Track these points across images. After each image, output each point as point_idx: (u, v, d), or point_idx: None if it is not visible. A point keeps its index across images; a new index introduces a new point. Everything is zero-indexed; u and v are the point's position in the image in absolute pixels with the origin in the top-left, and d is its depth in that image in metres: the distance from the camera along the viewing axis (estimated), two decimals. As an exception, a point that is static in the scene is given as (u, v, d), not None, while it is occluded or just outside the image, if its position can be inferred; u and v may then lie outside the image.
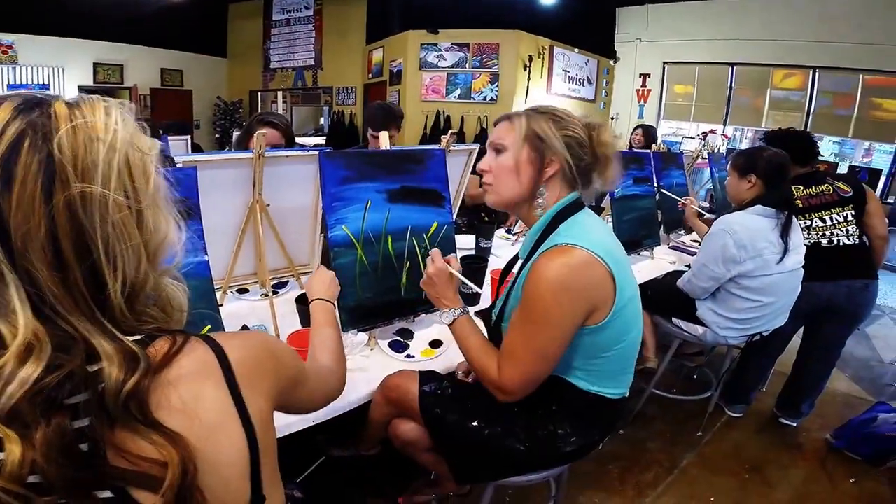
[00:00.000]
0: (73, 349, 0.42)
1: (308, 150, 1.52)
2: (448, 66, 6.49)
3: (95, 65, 7.06)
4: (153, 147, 0.49)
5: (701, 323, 1.99)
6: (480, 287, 1.69)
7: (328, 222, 1.31)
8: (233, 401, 0.48)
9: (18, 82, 6.10)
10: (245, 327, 1.48)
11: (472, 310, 1.62)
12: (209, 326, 1.19)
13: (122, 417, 0.42)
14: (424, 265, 1.22)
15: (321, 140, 7.25)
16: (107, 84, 7.19)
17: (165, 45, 7.82)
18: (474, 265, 1.70)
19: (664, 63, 7.11)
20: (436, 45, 6.45)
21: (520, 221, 2.34)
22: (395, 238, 1.40)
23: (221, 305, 1.58)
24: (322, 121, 8.41)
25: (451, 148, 1.67)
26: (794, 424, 2.29)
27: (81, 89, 6.84)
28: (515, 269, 1.12)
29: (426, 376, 1.18)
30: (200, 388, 0.47)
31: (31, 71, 6.26)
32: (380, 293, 1.39)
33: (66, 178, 0.41)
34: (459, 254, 1.46)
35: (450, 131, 1.74)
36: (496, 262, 1.92)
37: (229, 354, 0.50)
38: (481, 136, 6.21)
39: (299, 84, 8.28)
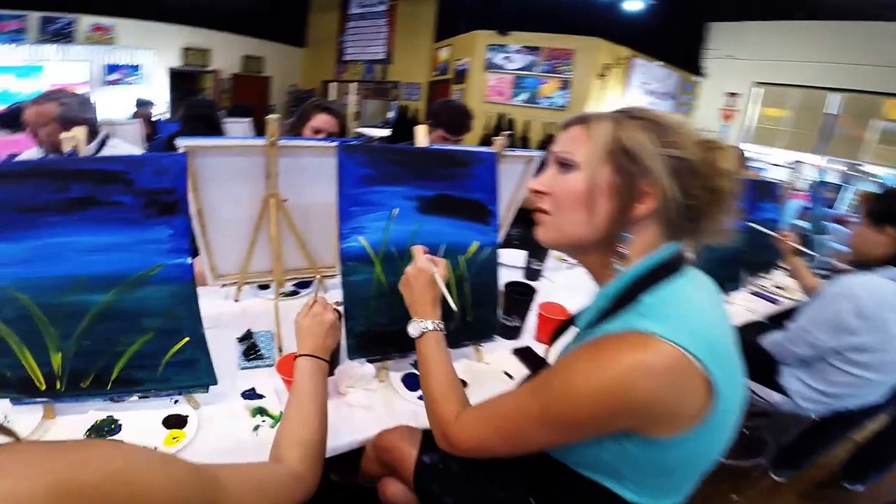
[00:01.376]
0: None
1: (327, 142, 1.27)
2: (516, 69, 6.18)
3: (184, 49, 7.32)
4: None
5: (780, 389, 1.61)
6: (521, 321, 1.38)
7: (342, 230, 1.05)
8: None
9: (115, 63, 6.39)
10: (249, 333, 1.29)
11: (511, 344, 1.34)
12: (187, 339, 0.98)
13: None
14: (462, 292, 1.00)
15: (388, 133, 7.20)
16: (193, 67, 7.45)
17: (248, 32, 8.07)
18: (517, 294, 1.38)
19: (754, 83, 6.39)
20: (503, 46, 6.18)
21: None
22: None
23: (237, 301, 1.47)
24: (390, 115, 8.35)
25: (506, 153, 1.35)
26: (861, 489, 1.93)
27: (172, 72, 7.13)
28: (568, 339, 0.80)
29: (430, 441, 0.91)
30: None
31: (126, 53, 6.53)
32: (397, 319, 1.11)
33: None
34: (506, 274, 1.18)
35: (505, 132, 1.41)
36: (547, 290, 1.58)
37: None
38: (547, 145, 5.81)
39: (370, 77, 8.30)
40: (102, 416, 0.98)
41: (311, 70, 9.02)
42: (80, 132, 0.97)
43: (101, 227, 0.92)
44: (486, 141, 6.14)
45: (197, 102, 3.02)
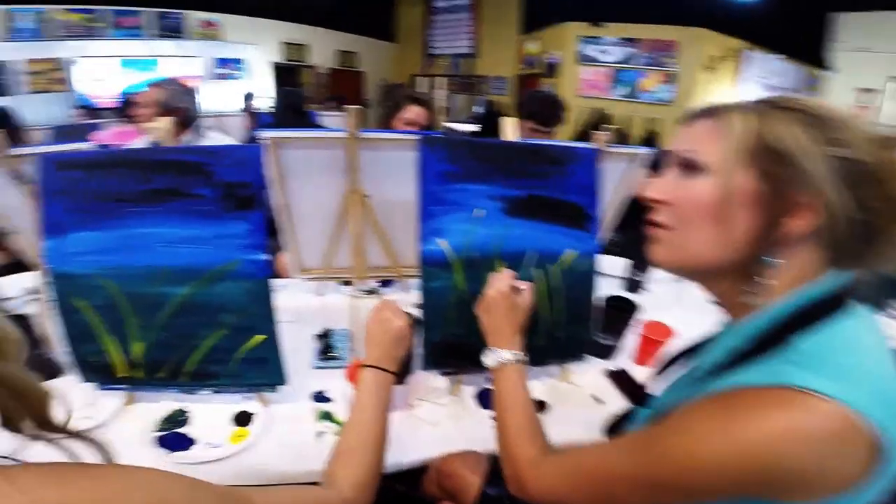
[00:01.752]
0: None
1: (410, 134, 1.16)
2: (613, 62, 5.77)
3: (283, 44, 7.74)
4: None
5: None
6: (618, 340, 1.20)
7: (421, 231, 0.95)
8: None
9: (223, 57, 6.92)
10: (327, 331, 1.26)
11: (604, 365, 1.17)
12: (260, 337, 0.95)
13: None
14: (551, 306, 0.89)
15: (476, 128, 7.14)
16: (292, 62, 7.87)
17: (343, 27, 8.30)
18: (615, 310, 1.20)
19: (890, 78, 5.60)
20: (598, 38, 5.79)
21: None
22: (510, 264, 0.98)
23: (322, 296, 1.46)
24: (476, 109, 8.30)
25: (610, 149, 1.16)
26: None
27: (272, 66, 7.59)
28: (677, 373, 0.65)
29: (496, 472, 0.80)
30: None
31: (232, 47, 7.03)
32: (476, 331, 1.00)
33: None
34: (602, 284, 1.04)
35: (607, 126, 1.21)
36: (650, 306, 1.35)
37: None
38: (650, 142, 5.35)
39: (455, 71, 8.23)
40: (175, 407, 0.98)
41: (399, 64, 9.16)
42: (166, 122, 0.96)
43: (182, 220, 0.90)
44: (580, 138, 5.82)
45: (286, 93, 3.10)
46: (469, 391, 1.04)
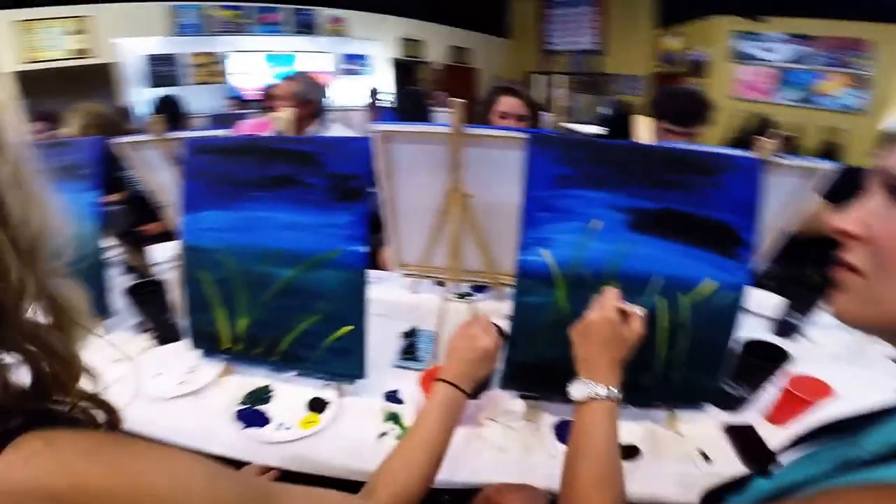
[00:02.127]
0: None
1: (519, 132, 1.09)
2: (781, 61, 5.03)
3: (402, 40, 8.08)
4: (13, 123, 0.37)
5: None
6: (752, 392, 1.01)
7: (523, 239, 0.88)
8: None
9: (349, 53, 7.45)
10: (413, 331, 1.26)
11: (724, 417, 1.00)
12: (348, 328, 0.97)
13: None
14: (673, 343, 0.79)
15: (601, 131, 6.83)
16: (410, 58, 8.19)
17: (457, 24, 8.39)
18: (758, 359, 1.00)
19: None
20: (756, 34, 5.09)
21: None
22: (629, 287, 0.87)
23: (416, 293, 1.47)
24: (603, 110, 7.89)
25: (778, 160, 0.96)
26: None
27: (392, 62, 8.00)
28: (838, 446, 0.48)
29: None
30: None
31: (358, 43, 7.51)
32: (570, 359, 0.92)
33: None
34: (748, 324, 0.87)
35: (773, 132, 1.00)
36: (804, 357, 1.10)
37: None
38: (828, 155, 4.56)
39: (577, 69, 7.88)
40: (263, 383, 1.04)
41: (514, 61, 8.99)
42: (289, 112, 1.03)
43: (293, 206, 0.95)
44: (734, 145, 5.19)
45: (409, 92, 3.24)
46: (548, 420, 0.96)
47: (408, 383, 1.04)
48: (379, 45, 7.62)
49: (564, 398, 0.92)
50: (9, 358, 0.37)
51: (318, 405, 0.99)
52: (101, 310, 1.17)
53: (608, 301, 0.74)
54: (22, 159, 0.38)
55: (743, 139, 4.89)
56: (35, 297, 0.38)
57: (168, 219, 1.45)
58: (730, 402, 1.02)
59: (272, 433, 0.92)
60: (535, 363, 0.92)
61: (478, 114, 1.73)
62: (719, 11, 5.37)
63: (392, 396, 1.02)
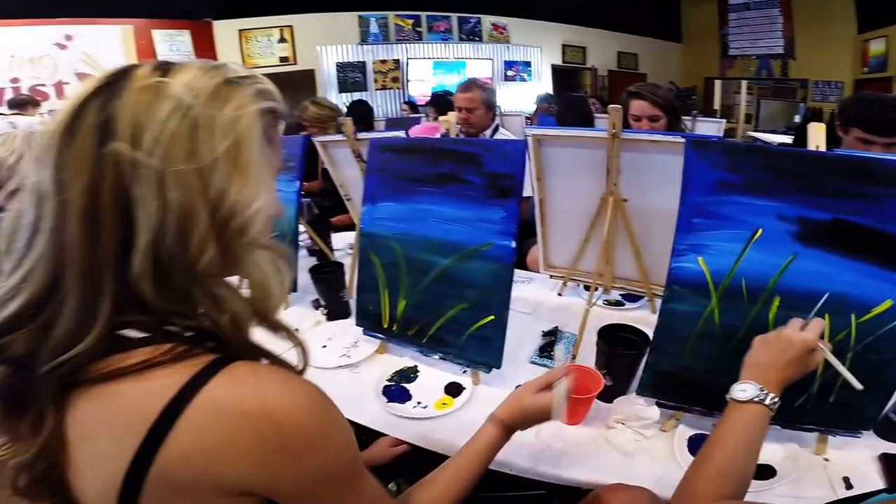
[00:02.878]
0: (50, 305, 0.43)
1: (675, 136, 1.09)
2: None
3: (563, 46, 8.12)
4: (246, 107, 0.46)
5: None
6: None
7: (677, 245, 0.91)
8: (131, 459, 0.41)
9: (511, 59, 7.72)
10: (555, 330, 1.32)
11: (883, 447, 0.91)
12: (492, 317, 1.08)
13: (40, 388, 0.42)
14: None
15: (788, 140, 6.10)
16: (572, 64, 8.20)
17: (622, 29, 8.24)
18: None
19: None
20: None
21: None
22: (791, 303, 0.84)
23: (560, 295, 1.55)
24: (797, 118, 6.97)
25: None
26: None
27: (554, 68, 8.09)
28: None
29: None
30: (112, 424, 0.43)
31: (517, 50, 7.81)
32: (718, 371, 0.90)
33: (119, 136, 0.41)
34: None
35: None
36: None
37: (192, 409, 0.41)
38: None
39: (764, 74, 7.18)
40: (410, 364, 1.21)
41: (690, 66, 8.48)
42: (452, 117, 1.20)
43: (454, 201, 1.12)
44: None
45: (570, 97, 3.29)
46: (682, 433, 0.94)
47: None
48: (540, 51, 7.80)
49: (704, 410, 0.93)
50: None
51: (454, 389, 1.11)
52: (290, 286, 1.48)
53: (815, 330, 0.73)
54: (241, 140, 0.45)
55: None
56: (216, 261, 0.44)
57: (352, 211, 1.75)
58: (893, 432, 0.90)
59: (410, 409, 1.05)
60: (677, 372, 0.93)
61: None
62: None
63: None
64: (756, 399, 0.68)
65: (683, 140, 0.92)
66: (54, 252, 0.42)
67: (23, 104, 4.08)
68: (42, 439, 0.43)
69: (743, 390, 0.70)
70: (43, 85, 5.13)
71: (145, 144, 0.41)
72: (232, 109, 0.45)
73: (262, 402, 0.42)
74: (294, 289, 1.51)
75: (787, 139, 6.12)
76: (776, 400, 0.69)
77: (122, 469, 0.41)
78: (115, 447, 0.42)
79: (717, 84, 6.76)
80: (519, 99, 7.37)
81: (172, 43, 5.93)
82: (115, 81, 0.43)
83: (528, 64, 7.87)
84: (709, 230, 0.88)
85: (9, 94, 4.93)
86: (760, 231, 0.84)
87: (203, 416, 0.41)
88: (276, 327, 0.51)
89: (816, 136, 0.85)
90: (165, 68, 0.45)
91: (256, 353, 0.48)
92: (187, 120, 0.43)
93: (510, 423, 0.76)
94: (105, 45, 5.49)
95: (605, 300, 1.47)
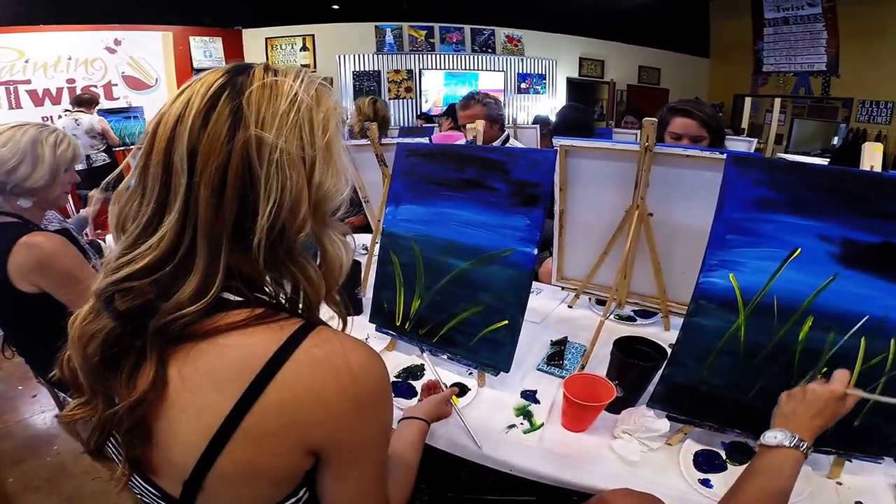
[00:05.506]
0: (168, 267, 0.48)
1: (713, 152, 1.05)
2: None
3: (581, 59, 8.04)
4: (333, 108, 0.53)
5: None
6: None
7: (707, 260, 0.88)
8: (234, 404, 0.47)
9: (524, 71, 7.71)
10: (565, 340, 1.28)
11: None
12: (506, 322, 1.07)
13: (153, 339, 0.48)
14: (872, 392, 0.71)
15: (824, 162, 5.91)
16: (589, 78, 8.10)
17: (644, 42, 8.09)
18: None
19: None
20: None
21: None
22: (825, 324, 0.81)
23: (571, 307, 1.52)
24: (836, 140, 6.78)
25: None
26: None
27: (569, 81, 8.02)
28: None
29: None
30: (219, 373, 0.48)
31: (532, 62, 7.74)
32: (736, 387, 0.88)
33: (248, 124, 0.47)
34: None
35: None
36: None
37: (292, 363, 0.48)
38: None
39: (802, 92, 6.95)
40: (418, 362, 1.20)
41: (718, 82, 8.24)
42: (481, 124, 1.18)
43: (478, 207, 1.11)
44: None
45: (570, 108, 3.11)
46: (689, 447, 0.92)
47: (548, 386, 1.10)
48: (556, 63, 7.75)
49: (719, 427, 0.90)
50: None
51: (459, 389, 1.10)
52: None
53: (839, 378, 0.72)
54: (332, 137, 0.52)
55: None
56: (309, 236, 0.52)
57: (368, 213, 1.75)
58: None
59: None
60: (692, 385, 0.91)
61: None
62: None
63: (529, 395, 1.09)
64: (786, 444, 0.67)
65: (724, 156, 0.89)
66: (182, 221, 0.47)
67: (87, 102, 4.34)
68: (143, 389, 0.48)
69: (774, 436, 0.69)
70: (94, 86, 5.41)
71: (272, 132, 0.47)
72: (324, 110, 0.51)
73: (346, 359, 0.49)
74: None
75: (822, 162, 5.90)
76: (809, 447, 0.67)
77: (221, 416, 0.47)
78: (219, 395, 0.47)
79: (747, 101, 6.62)
80: (532, 112, 7.33)
81: (206, 49, 6.18)
82: (236, 77, 0.49)
83: (542, 77, 7.81)
84: (743, 247, 0.85)
85: (65, 94, 5.24)
86: (799, 250, 0.82)
87: (300, 368, 0.47)
88: (334, 300, 0.57)
89: (872, 156, 0.81)
90: (274, 70, 0.51)
91: (320, 322, 0.53)
92: (299, 115, 0.49)
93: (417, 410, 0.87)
94: (148, 49, 5.80)
95: (618, 315, 1.44)
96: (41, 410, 2.15)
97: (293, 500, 0.52)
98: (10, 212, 1.16)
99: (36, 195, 1.18)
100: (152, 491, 0.54)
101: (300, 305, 0.55)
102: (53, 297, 1.14)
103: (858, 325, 0.77)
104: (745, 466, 0.83)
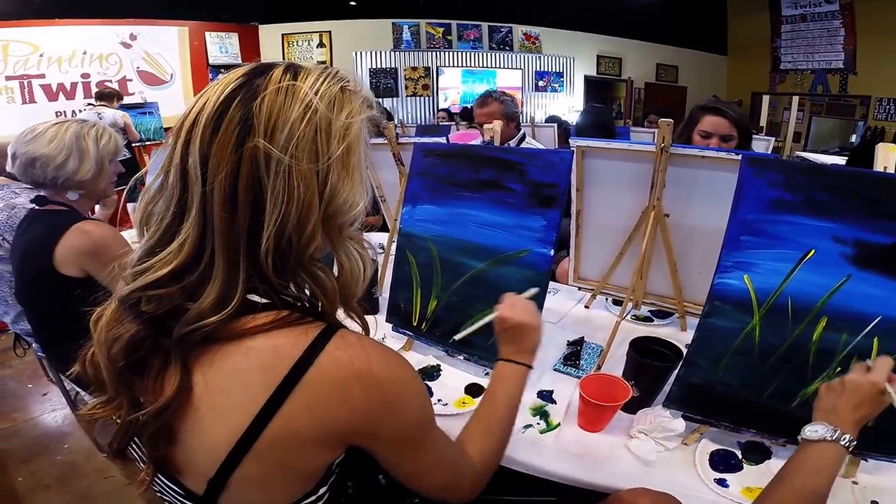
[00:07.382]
0: (193, 273, 0.48)
1: (728, 153, 1.06)
2: None
3: (598, 57, 8.01)
4: (357, 113, 0.51)
5: None
6: None
7: (722, 261, 0.90)
8: (261, 407, 0.48)
9: (542, 69, 7.70)
10: (581, 341, 1.30)
11: None
12: None
13: (176, 346, 0.48)
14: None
15: (841, 161, 5.83)
16: (606, 76, 8.07)
17: (661, 40, 8.07)
18: None
19: None
20: None
21: None
22: (839, 324, 0.82)
23: (587, 307, 1.54)
24: (854, 138, 6.70)
25: None
26: None
27: (587, 79, 7.99)
28: None
29: None
30: (245, 375, 0.49)
31: (549, 60, 7.76)
32: (751, 388, 0.90)
33: (257, 132, 0.46)
34: None
35: None
36: None
37: (317, 366, 0.48)
38: None
39: (819, 89, 6.88)
40: (434, 362, 1.22)
41: (735, 80, 8.18)
42: (499, 125, 1.20)
43: (494, 207, 1.13)
44: None
45: (591, 109, 3.19)
46: (705, 447, 0.93)
47: (564, 386, 1.12)
48: (573, 61, 7.72)
49: (733, 427, 0.93)
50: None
51: (474, 390, 1.12)
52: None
53: (881, 367, 0.71)
54: (351, 145, 0.50)
55: None
56: (322, 249, 0.51)
57: (385, 213, 1.77)
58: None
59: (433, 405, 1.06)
60: (708, 385, 0.92)
61: (678, 133, 1.70)
62: None
63: (546, 395, 1.10)
64: (828, 438, 0.67)
65: (739, 157, 0.91)
66: (201, 227, 0.48)
67: (109, 97, 4.40)
68: (168, 396, 0.48)
69: (815, 430, 0.69)
70: (109, 81, 5.43)
71: (280, 142, 0.46)
72: (345, 116, 0.50)
73: (368, 363, 0.50)
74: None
75: (840, 160, 5.83)
76: (853, 440, 0.67)
77: (247, 418, 0.47)
78: (245, 397, 0.48)
79: (765, 99, 6.54)
80: (550, 110, 7.34)
81: (222, 45, 6.23)
82: (253, 80, 0.48)
83: (559, 75, 7.78)
84: (757, 248, 0.87)
85: (80, 89, 5.31)
86: (813, 251, 0.83)
87: (325, 371, 0.48)
88: (353, 310, 0.58)
89: (885, 157, 0.82)
90: (295, 71, 0.49)
91: (340, 325, 0.55)
92: (312, 123, 0.48)
93: (505, 355, 0.84)
94: (164, 44, 5.83)
95: (634, 315, 1.45)
96: (52, 409, 2.15)
97: (312, 498, 0.54)
98: (60, 201, 1.26)
99: (84, 187, 1.27)
100: (175, 489, 0.54)
101: (320, 309, 0.55)
102: (96, 280, 1.18)
103: (871, 325, 0.79)
104: (759, 467, 0.86)
